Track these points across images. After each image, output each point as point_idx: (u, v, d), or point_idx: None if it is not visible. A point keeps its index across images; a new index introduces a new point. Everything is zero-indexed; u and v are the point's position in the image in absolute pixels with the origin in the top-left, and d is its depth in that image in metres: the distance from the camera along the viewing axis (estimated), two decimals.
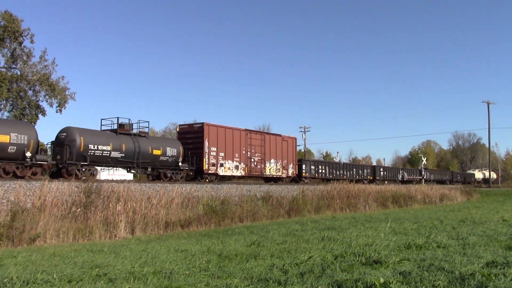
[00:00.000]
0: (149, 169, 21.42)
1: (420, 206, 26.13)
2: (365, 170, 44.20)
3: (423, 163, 63.48)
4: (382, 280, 4.59)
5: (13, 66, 29.76)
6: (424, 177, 56.01)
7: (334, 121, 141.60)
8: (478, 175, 79.82)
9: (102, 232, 12.25)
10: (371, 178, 44.08)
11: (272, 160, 29.05)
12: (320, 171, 36.25)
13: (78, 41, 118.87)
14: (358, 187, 25.60)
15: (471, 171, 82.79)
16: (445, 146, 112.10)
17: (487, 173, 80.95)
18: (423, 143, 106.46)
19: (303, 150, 66.48)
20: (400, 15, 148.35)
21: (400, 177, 50.83)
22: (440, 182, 57.37)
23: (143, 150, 20.82)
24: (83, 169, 18.45)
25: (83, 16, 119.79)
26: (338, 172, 38.78)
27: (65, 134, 18.68)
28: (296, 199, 20.78)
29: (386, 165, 64.10)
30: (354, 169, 42.23)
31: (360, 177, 41.72)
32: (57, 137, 18.91)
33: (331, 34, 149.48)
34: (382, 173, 47.27)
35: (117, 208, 13.40)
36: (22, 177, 16.29)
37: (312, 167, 35.50)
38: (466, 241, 7.91)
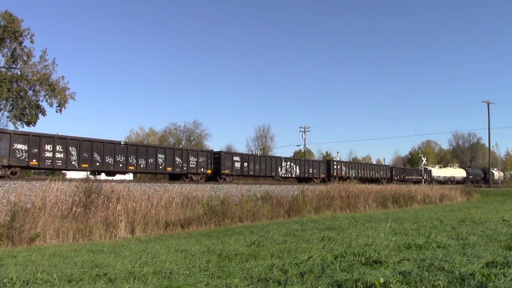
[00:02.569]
0: None
1: (420, 206, 26.13)
2: (191, 158, 26.97)
3: (423, 163, 63.22)
4: (382, 280, 4.59)
5: (13, 66, 29.73)
6: (337, 174, 39.80)
7: (334, 121, 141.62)
8: (438, 172, 63.81)
9: (102, 232, 12.26)
10: (209, 172, 28.27)
11: None
12: (48, 155, 20.06)
13: (78, 41, 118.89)
14: (358, 187, 25.64)
15: (429, 168, 66.08)
16: (445, 146, 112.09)
17: (456, 172, 68.82)
18: (423, 143, 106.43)
19: (303, 150, 66.51)
20: (400, 15, 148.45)
21: (281, 173, 33.50)
22: (371, 181, 43.18)
23: None
24: None
25: (83, 16, 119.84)
26: (111, 160, 22.42)
27: None
28: (296, 199, 20.81)
29: (249, 153, 41.90)
30: (163, 156, 25.45)
31: (181, 171, 26.34)
32: None
33: (331, 34, 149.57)
34: (237, 164, 29.89)
35: (117, 208, 13.41)
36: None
37: (20, 146, 19.08)
38: (466, 241, 7.91)
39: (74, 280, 5.26)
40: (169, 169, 26.23)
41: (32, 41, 29.87)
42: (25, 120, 30.40)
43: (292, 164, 35.64)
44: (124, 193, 14.52)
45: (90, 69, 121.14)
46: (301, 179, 36.94)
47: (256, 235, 10.29)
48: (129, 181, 21.40)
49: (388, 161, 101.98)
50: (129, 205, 13.87)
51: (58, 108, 30.98)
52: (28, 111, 30.44)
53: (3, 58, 29.38)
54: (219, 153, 29.90)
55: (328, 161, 41.34)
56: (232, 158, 30.34)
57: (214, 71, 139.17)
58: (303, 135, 64.83)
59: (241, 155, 32.13)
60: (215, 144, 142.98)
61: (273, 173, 33.43)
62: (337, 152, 73.29)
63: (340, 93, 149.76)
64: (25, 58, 29.71)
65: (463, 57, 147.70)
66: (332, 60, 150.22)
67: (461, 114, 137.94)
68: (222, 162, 29.12)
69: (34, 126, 31.12)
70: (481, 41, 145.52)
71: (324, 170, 39.28)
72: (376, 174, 46.88)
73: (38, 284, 5.07)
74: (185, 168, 26.76)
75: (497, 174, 77.09)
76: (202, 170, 27.77)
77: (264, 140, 77.43)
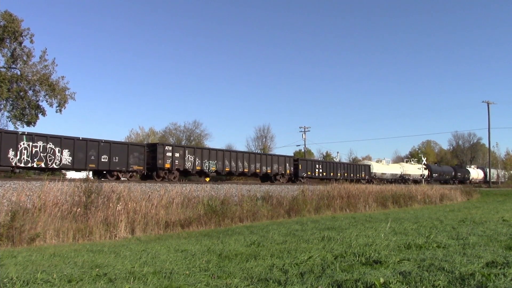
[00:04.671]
0: None
1: (420, 206, 26.14)
2: None
3: (423, 163, 62.54)
4: (382, 280, 4.59)
5: (13, 66, 29.75)
6: (173, 166, 24.92)
7: (334, 121, 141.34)
8: (381, 169, 49.18)
9: (102, 232, 12.27)
10: None
11: None
12: None
13: (78, 41, 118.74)
14: (358, 187, 25.66)
15: (366, 162, 50.84)
16: (445, 146, 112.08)
17: (412, 168, 55.14)
18: (423, 143, 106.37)
19: (303, 150, 66.53)
20: (400, 15, 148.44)
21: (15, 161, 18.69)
22: (263, 179, 32.30)
23: None
24: None
25: (83, 16, 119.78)
26: None
27: None
28: (296, 199, 20.83)
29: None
30: None
31: None
32: None
33: (331, 34, 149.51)
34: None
35: (117, 208, 13.43)
36: None
37: None
38: (466, 241, 7.91)
39: (74, 280, 5.26)
40: None
41: (32, 41, 29.92)
42: (25, 120, 30.43)
43: (49, 146, 20.38)
44: (124, 193, 14.53)
45: (90, 69, 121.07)
46: (96, 172, 22.68)
47: (256, 235, 10.30)
48: (130, 181, 21.41)
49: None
50: (129, 205, 13.88)
51: (58, 108, 31.04)
52: (28, 111, 30.46)
53: (3, 58, 29.43)
54: None
55: (152, 145, 24.89)
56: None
57: (214, 71, 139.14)
58: (303, 135, 64.82)
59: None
60: (215, 144, 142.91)
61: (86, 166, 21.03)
62: (337, 152, 73.27)
63: (340, 93, 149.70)
64: (25, 58, 29.74)
65: (463, 57, 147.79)
66: (332, 60, 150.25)
67: (461, 114, 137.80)
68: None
69: (34, 126, 31.19)
70: (481, 41, 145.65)
71: (139, 159, 23.43)
72: (265, 168, 31.59)
73: (38, 284, 5.07)
74: None
75: (475, 173, 67.80)
76: None
77: (264, 140, 77.44)
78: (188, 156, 26.23)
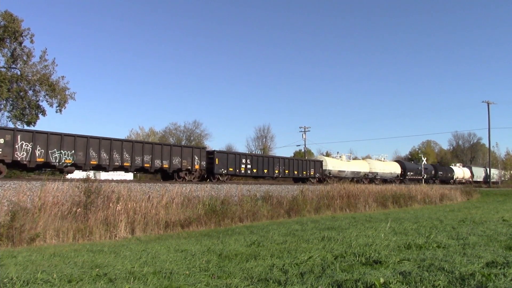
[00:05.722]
0: None
1: (420, 206, 26.15)
2: None
3: (423, 163, 62.01)
4: (382, 280, 4.59)
5: (13, 66, 29.77)
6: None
7: (334, 121, 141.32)
8: (339, 166, 41.65)
9: (102, 232, 12.27)
10: None
11: None
12: None
13: (78, 41, 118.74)
14: (358, 187, 25.67)
15: (317, 158, 43.40)
16: (445, 146, 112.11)
17: (381, 166, 47.15)
18: (423, 143, 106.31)
19: (303, 150, 66.53)
20: (400, 15, 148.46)
21: None
22: (161, 174, 26.03)
23: None
24: None
25: (83, 16, 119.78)
26: None
27: None
28: (296, 199, 20.84)
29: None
30: None
31: None
32: None
33: (331, 34, 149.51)
34: None
35: (117, 208, 13.42)
36: None
37: None
38: (466, 241, 7.91)
39: (74, 280, 5.26)
40: None
41: (32, 41, 29.97)
42: (25, 120, 30.46)
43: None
44: (124, 193, 14.53)
45: (90, 69, 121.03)
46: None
47: (256, 235, 10.30)
48: (129, 181, 21.40)
49: None
50: (129, 205, 13.87)
51: (58, 108, 31.09)
52: (28, 111, 30.49)
53: (3, 58, 29.46)
54: None
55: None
56: None
57: (214, 71, 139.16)
58: (303, 135, 64.79)
59: None
60: (215, 144, 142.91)
61: None
62: (337, 152, 73.04)
63: (340, 93, 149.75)
64: (25, 58, 29.76)
65: (463, 57, 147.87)
66: (332, 60, 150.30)
67: (461, 114, 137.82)
68: None
69: (34, 126, 31.22)
70: (481, 41, 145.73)
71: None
72: (159, 162, 24.16)
73: (38, 284, 5.07)
74: None
75: (460, 172, 62.51)
76: None
77: (264, 140, 77.46)
78: (22, 143, 18.88)
